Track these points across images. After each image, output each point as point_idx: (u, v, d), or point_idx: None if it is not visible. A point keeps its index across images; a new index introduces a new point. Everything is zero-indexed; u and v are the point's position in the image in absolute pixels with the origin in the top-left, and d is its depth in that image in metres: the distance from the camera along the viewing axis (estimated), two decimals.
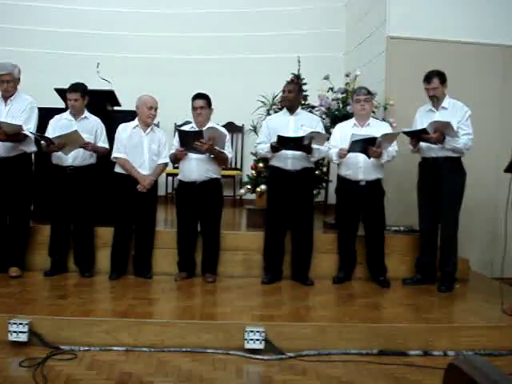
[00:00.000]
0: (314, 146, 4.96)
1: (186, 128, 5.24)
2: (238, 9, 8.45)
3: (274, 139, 4.93)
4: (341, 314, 4.38)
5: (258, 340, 3.86)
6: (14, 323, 3.86)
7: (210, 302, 4.66)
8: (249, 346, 3.85)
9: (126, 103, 5.94)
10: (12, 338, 3.85)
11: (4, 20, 8.28)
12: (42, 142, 5.05)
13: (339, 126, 5.35)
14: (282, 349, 3.88)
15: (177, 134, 5.14)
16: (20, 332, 3.86)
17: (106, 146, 5.25)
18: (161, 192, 6.17)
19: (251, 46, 8.37)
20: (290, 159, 5.05)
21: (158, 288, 4.98)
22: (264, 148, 5.13)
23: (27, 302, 4.42)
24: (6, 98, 5.06)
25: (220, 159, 5.11)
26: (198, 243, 5.29)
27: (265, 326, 3.91)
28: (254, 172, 6.11)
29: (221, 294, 4.88)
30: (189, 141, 4.91)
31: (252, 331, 3.86)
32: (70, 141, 4.96)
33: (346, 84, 6.11)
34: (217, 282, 5.13)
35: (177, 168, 5.43)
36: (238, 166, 8.15)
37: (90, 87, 5.28)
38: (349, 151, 4.93)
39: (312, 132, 4.89)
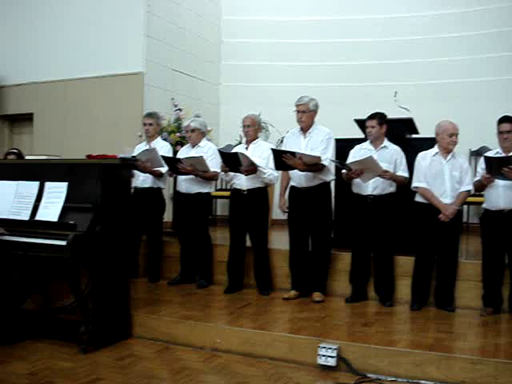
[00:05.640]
0: None
1: (490, 154, 4.96)
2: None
3: None
4: None
5: None
6: (324, 347, 4.01)
7: None
8: None
9: (423, 130, 5.90)
10: (321, 361, 4.01)
11: (306, 58, 8.97)
12: (343, 170, 5.23)
13: None
14: None
15: (481, 160, 4.90)
16: (329, 356, 3.99)
17: (406, 174, 5.22)
18: None
19: None
20: None
21: (462, 322, 4.74)
22: None
23: (333, 327, 4.56)
24: (304, 131, 5.38)
25: None
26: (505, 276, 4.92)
27: None
28: None
29: None
30: (496, 167, 4.63)
31: None
32: (368, 168, 5.05)
33: None
34: None
35: (473, 196, 5.19)
36: None
37: (389, 116, 5.34)
38: None
39: None
